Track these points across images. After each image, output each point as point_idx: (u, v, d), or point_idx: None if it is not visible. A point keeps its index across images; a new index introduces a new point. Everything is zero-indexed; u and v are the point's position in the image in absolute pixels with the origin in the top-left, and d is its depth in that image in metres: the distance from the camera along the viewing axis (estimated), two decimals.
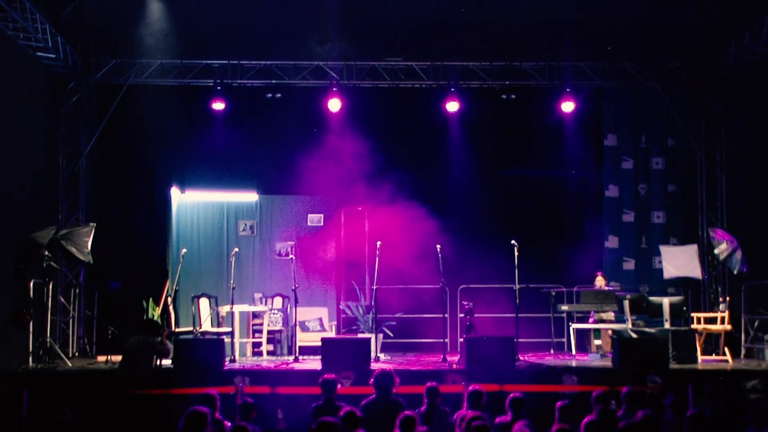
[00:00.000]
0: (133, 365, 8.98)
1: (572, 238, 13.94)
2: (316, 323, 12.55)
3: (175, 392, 9.17)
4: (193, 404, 6.56)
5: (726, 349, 11.30)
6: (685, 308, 11.58)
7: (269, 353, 12.32)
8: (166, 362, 10.35)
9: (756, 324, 11.90)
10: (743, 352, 11.90)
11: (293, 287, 11.32)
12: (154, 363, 9.52)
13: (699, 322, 11.68)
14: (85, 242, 11.36)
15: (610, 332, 11.83)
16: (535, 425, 6.59)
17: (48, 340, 10.59)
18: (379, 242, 11.42)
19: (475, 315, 11.43)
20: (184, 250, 11.96)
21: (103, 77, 13.22)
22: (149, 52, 13.13)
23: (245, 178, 13.56)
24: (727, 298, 12.06)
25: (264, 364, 10.79)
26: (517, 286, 11.28)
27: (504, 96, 13.61)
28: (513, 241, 11.43)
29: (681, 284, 13.09)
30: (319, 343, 10.22)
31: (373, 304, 11.44)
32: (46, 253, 10.83)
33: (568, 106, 13.38)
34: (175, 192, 13.11)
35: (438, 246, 11.30)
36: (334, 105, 13.26)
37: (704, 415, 6.34)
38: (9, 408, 9.22)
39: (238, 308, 11.78)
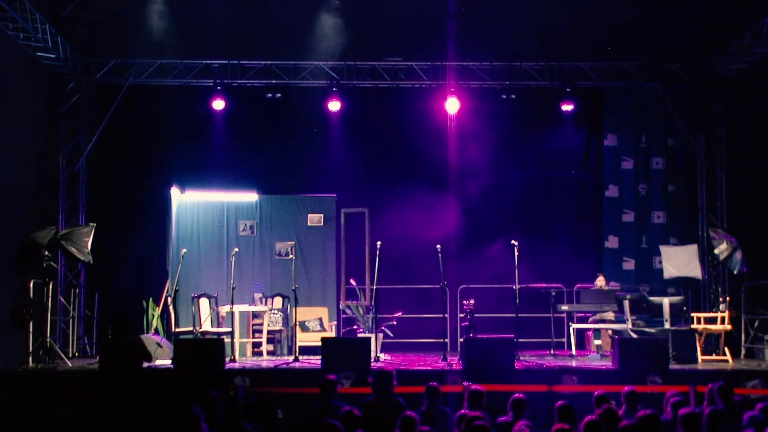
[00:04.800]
0: (114, 369, 8.79)
1: (572, 238, 13.95)
2: (316, 323, 12.54)
3: (175, 392, 9.15)
4: (194, 405, 6.55)
5: (726, 349, 11.30)
6: (685, 308, 11.59)
7: (269, 353, 12.31)
8: (166, 362, 10.35)
9: (756, 324, 11.90)
10: (743, 352, 11.90)
11: (293, 287, 11.33)
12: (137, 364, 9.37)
13: (699, 322, 11.67)
14: (85, 242, 11.35)
15: (610, 332, 11.83)
16: (535, 425, 6.58)
17: (48, 340, 10.58)
18: (379, 242, 11.42)
19: (475, 315, 11.41)
20: (184, 250, 11.96)
21: (103, 77, 13.22)
22: (149, 52, 13.13)
23: (245, 178, 13.53)
24: (727, 298, 12.06)
25: (264, 364, 10.78)
26: (517, 286, 11.28)
27: (504, 96, 13.61)
28: (513, 241, 11.43)
29: (681, 284, 13.09)
30: (319, 343, 10.21)
31: (373, 304, 11.43)
32: (46, 253, 10.82)
33: (568, 106, 13.40)
34: (175, 192, 13.09)
35: (438, 246, 11.30)
36: (334, 105, 13.28)
37: (703, 415, 6.34)
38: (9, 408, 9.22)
39: (238, 308, 11.77)
